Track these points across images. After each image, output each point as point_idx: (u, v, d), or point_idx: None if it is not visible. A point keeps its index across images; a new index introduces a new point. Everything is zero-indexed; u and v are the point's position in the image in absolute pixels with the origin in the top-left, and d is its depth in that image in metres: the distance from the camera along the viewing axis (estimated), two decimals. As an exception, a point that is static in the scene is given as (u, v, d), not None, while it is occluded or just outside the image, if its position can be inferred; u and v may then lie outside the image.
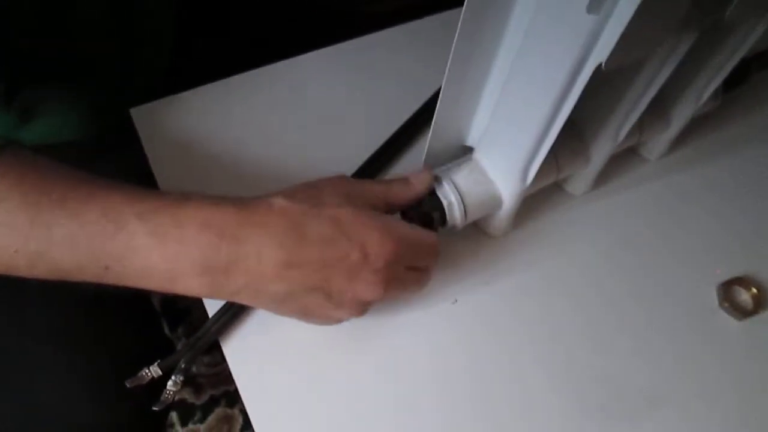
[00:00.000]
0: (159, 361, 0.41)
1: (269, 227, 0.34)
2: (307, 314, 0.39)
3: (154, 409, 0.41)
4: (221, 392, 1.03)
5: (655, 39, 0.31)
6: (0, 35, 0.49)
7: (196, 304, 1.17)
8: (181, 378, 0.41)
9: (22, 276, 0.36)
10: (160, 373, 0.41)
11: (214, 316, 0.43)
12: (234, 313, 0.43)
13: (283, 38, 0.63)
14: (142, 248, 0.34)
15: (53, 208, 0.33)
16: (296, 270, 0.35)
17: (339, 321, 0.40)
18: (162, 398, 0.41)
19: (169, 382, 0.41)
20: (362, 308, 0.38)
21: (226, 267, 0.34)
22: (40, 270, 0.35)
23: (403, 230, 0.37)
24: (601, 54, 0.30)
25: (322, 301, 0.37)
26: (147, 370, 0.41)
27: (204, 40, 0.69)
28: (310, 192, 0.38)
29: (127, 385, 0.41)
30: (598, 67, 0.31)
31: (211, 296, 0.37)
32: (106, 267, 0.34)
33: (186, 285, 0.35)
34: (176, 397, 0.41)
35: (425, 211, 0.42)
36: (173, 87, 0.57)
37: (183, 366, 0.41)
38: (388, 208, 0.41)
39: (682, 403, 0.42)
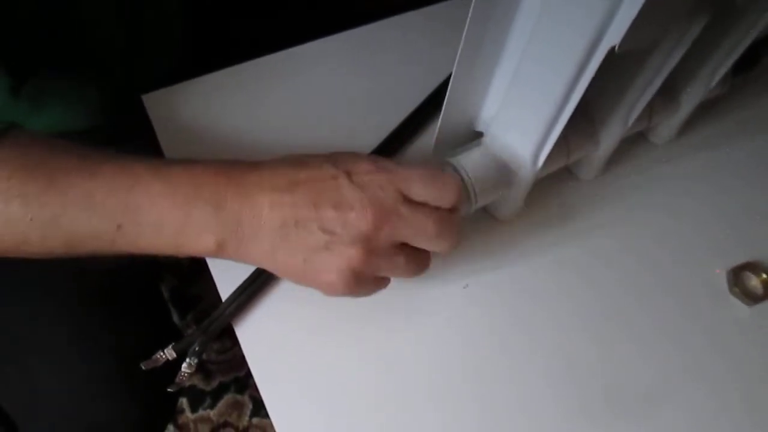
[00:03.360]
0: (173, 343, 0.42)
1: (268, 165, 0.37)
2: (305, 260, 0.36)
3: (169, 390, 0.41)
4: (231, 378, 1.04)
5: (668, 21, 0.31)
6: (7, 26, 0.49)
7: (206, 292, 1.18)
8: (196, 360, 0.41)
9: (34, 251, 0.37)
10: (175, 355, 0.42)
11: (227, 300, 0.43)
12: (248, 296, 0.43)
13: (297, 24, 0.63)
14: (158, 197, 0.35)
15: (68, 173, 0.35)
16: (288, 195, 0.35)
17: (339, 273, 0.36)
18: (177, 380, 0.41)
19: (184, 365, 0.41)
20: (359, 244, 0.35)
21: (232, 203, 0.35)
22: (52, 240, 0.36)
23: (398, 165, 0.37)
24: (614, 36, 0.30)
25: (314, 237, 0.35)
26: (162, 353, 0.42)
27: (214, 26, 0.69)
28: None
29: (143, 367, 0.41)
30: (611, 50, 0.31)
31: (219, 247, 0.36)
32: (119, 226, 0.35)
33: (195, 240, 0.36)
34: (188, 382, 0.42)
35: None
36: (183, 74, 0.57)
37: (197, 349, 0.41)
38: None
39: (693, 387, 0.43)
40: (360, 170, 0.36)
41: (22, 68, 0.53)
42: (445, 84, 0.56)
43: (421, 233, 0.37)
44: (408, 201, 0.36)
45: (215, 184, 0.36)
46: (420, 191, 0.36)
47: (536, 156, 0.42)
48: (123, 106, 0.59)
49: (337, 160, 0.37)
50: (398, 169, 0.36)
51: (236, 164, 0.37)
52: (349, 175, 0.36)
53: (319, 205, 0.35)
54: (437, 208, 0.37)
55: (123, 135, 0.61)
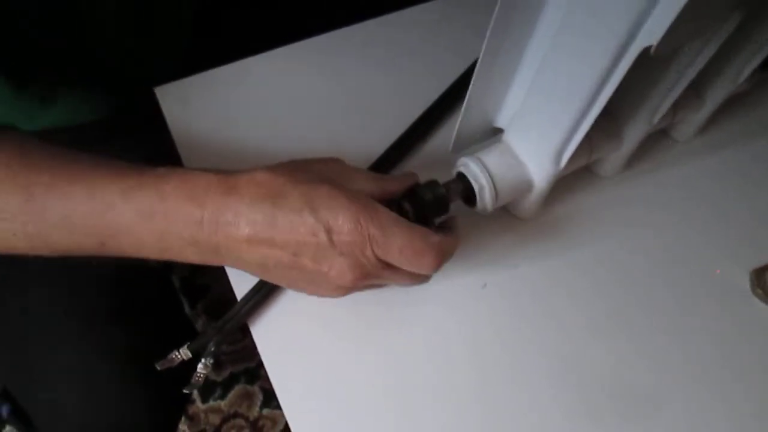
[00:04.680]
0: (189, 343, 0.41)
1: (245, 197, 0.34)
2: (291, 286, 0.39)
3: (185, 391, 0.41)
4: (242, 369, 1.04)
5: (708, 20, 0.30)
6: (13, 26, 0.49)
7: (215, 281, 1.18)
8: (211, 360, 0.41)
9: (24, 255, 0.37)
10: (190, 355, 0.41)
11: (243, 299, 0.42)
12: (263, 295, 0.43)
13: (309, 16, 0.62)
14: (131, 225, 0.35)
15: (44, 192, 0.35)
16: (266, 247, 0.34)
17: (327, 297, 0.39)
18: (192, 381, 0.41)
19: (200, 365, 0.41)
20: (339, 292, 0.37)
21: (208, 237, 0.35)
22: (41, 249, 0.37)
23: (383, 221, 0.35)
24: (649, 35, 0.29)
25: (296, 276, 0.36)
26: (177, 353, 0.41)
27: (225, 17, 0.68)
28: (295, 167, 0.37)
29: (158, 368, 0.41)
30: (644, 51, 0.30)
31: (203, 263, 0.37)
32: (102, 243, 0.36)
33: (178, 255, 0.36)
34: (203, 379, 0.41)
35: (416, 196, 0.40)
36: (194, 66, 0.56)
37: (212, 349, 0.41)
38: (381, 196, 0.38)
39: (716, 387, 0.42)
40: (341, 229, 0.34)
41: (27, 68, 0.53)
42: (461, 79, 0.55)
43: (399, 283, 0.39)
44: (387, 264, 0.36)
45: (188, 217, 0.34)
46: (398, 262, 0.36)
47: (559, 156, 0.41)
48: (133, 99, 0.58)
49: (316, 206, 0.34)
50: (379, 236, 0.34)
51: (208, 187, 0.35)
52: (329, 232, 0.34)
53: (298, 254, 0.34)
54: None
55: (133, 127, 0.61)
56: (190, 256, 0.36)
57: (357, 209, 0.34)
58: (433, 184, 0.41)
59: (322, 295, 0.38)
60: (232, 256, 0.36)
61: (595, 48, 0.32)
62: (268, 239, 0.34)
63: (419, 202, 0.39)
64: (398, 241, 0.35)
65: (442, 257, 0.36)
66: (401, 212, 0.39)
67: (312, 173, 0.36)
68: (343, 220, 0.34)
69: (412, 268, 0.36)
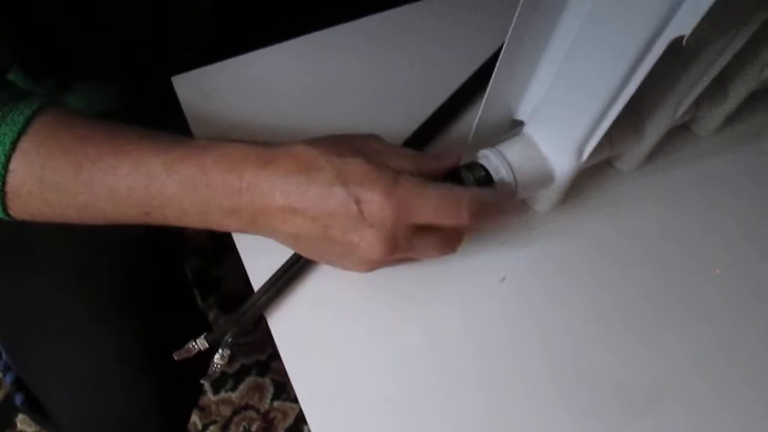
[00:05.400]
0: (205, 333, 0.41)
1: (280, 170, 0.35)
2: (323, 258, 0.40)
3: (201, 382, 0.41)
4: (253, 361, 1.05)
5: (743, 13, 0.29)
6: (30, 18, 0.49)
7: (229, 274, 1.18)
8: (228, 352, 0.41)
9: (75, 222, 0.39)
10: (207, 345, 0.41)
11: (260, 290, 0.42)
12: (280, 286, 0.42)
13: (333, 3, 0.62)
14: (174, 196, 0.36)
15: (91, 166, 0.36)
16: (299, 218, 0.36)
17: (356, 271, 0.40)
18: (209, 372, 0.41)
19: (216, 356, 0.41)
20: (369, 265, 0.39)
21: (246, 207, 0.36)
22: (91, 219, 0.39)
23: (414, 188, 0.35)
24: (680, 25, 0.28)
25: (328, 248, 0.38)
26: (194, 343, 0.41)
27: (244, 5, 0.68)
28: (333, 141, 0.38)
29: (175, 358, 0.41)
30: (674, 42, 0.29)
31: (243, 231, 0.39)
32: (147, 213, 0.38)
33: (218, 224, 0.38)
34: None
35: (458, 177, 0.41)
36: (212, 56, 0.56)
37: (230, 340, 0.41)
38: (417, 174, 0.39)
39: (723, 386, 0.42)
40: (371, 202, 0.35)
41: (43, 60, 0.53)
42: (482, 70, 0.54)
43: (427, 256, 0.40)
44: (418, 231, 0.37)
45: (228, 188, 0.36)
46: (435, 219, 0.36)
47: (582, 149, 0.40)
48: (150, 89, 0.58)
49: (347, 179, 0.35)
50: (409, 205, 0.35)
51: (246, 159, 0.36)
52: (359, 204, 0.35)
53: (329, 226, 0.36)
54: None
55: (150, 117, 0.60)
56: (230, 225, 0.38)
57: (389, 182, 0.35)
58: (475, 166, 0.41)
59: (351, 269, 0.40)
60: (268, 227, 0.37)
61: (624, 37, 0.31)
62: (301, 210, 0.35)
63: (462, 183, 0.40)
64: (431, 202, 0.36)
65: (478, 205, 0.37)
66: None
67: (348, 147, 0.37)
68: (372, 194, 0.35)
69: (450, 221, 0.37)
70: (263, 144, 0.37)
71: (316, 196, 0.35)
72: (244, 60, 0.56)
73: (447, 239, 0.39)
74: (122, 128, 0.38)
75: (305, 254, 0.41)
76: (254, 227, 0.38)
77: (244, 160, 0.36)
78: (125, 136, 0.37)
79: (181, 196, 0.36)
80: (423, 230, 0.37)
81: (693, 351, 0.43)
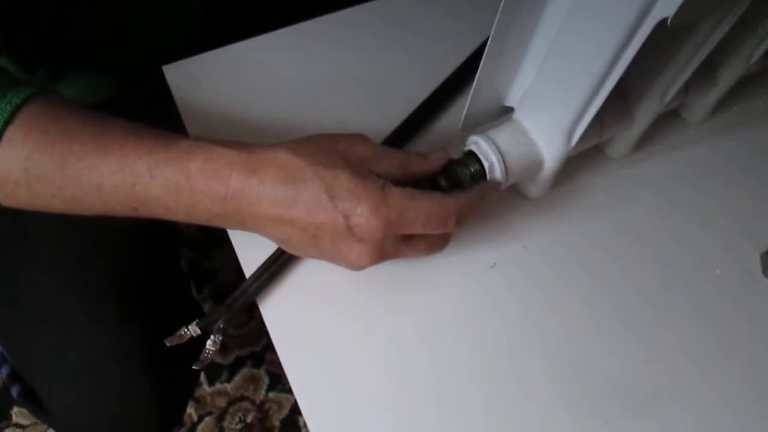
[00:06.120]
0: (197, 320, 0.41)
1: (266, 180, 0.35)
2: (315, 258, 0.40)
3: (194, 368, 0.41)
4: (247, 353, 1.05)
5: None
6: (22, 10, 0.49)
7: (223, 265, 1.18)
8: (220, 338, 0.41)
9: (63, 213, 0.39)
10: (199, 332, 0.41)
11: (251, 277, 0.42)
12: (272, 273, 0.42)
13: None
14: (160, 197, 0.36)
15: (77, 162, 0.36)
16: (288, 226, 0.36)
17: (352, 270, 0.40)
18: (201, 357, 0.41)
19: (209, 342, 0.41)
20: (358, 269, 0.39)
21: (233, 213, 0.36)
22: (78, 211, 0.39)
23: (402, 204, 0.35)
24: (665, 7, 0.28)
25: (317, 253, 0.38)
26: (186, 329, 0.41)
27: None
28: (319, 147, 0.37)
29: (167, 344, 0.41)
30: (659, 23, 0.29)
31: (232, 229, 0.40)
32: (134, 209, 0.38)
33: (206, 223, 0.38)
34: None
35: (453, 173, 0.41)
36: (204, 46, 0.56)
37: (221, 326, 0.41)
38: (405, 178, 0.39)
39: (722, 373, 0.42)
40: (360, 217, 0.35)
41: (36, 51, 0.53)
42: (472, 58, 0.54)
43: (417, 256, 0.40)
44: (406, 238, 0.38)
45: (213, 194, 0.36)
46: (420, 230, 0.37)
47: (570, 135, 0.40)
48: (142, 78, 0.58)
49: (335, 194, 0.35)
50: (398, 220, 0.35)
51: (234, 166, 0.35)
52: (347, 219, 0.35)
53: (318, 237, 0.36)
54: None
55: (141, 107, 0.60)
56: (219, 225, 0.38)
57: (376, 197, 0.35)
58: (468, 159, 0.41)
59: (344, 267, 0.40)
60: (257, 229, 0.38)
61: (610, 20, 0.31)
62: (289, 220, 0.35)
63: (456, 179, 0.41)
64: (419, 215, 0.36)
65: (464, 216, 0.38)
66: (435, 188, 0.40)
67: (334, 155, 0.36)
68: (361, 210, 0.35)
69: (436, 231, 0.37)
70: (248, 149, 0.36)
71: (304, 209, 0.35)
72: (234, 49, 0.56)
73: (434, 242, 0.40)
74: (110, 123, 0.38)
75: (297, 254, 0.41)
76: (243, 228, 0.38)
77: (229, 167, 0.35)
78: (112, 133, 0.37)
79: (167, 198, 0.36)
80: (410, 236, 0.38)
81: (686, 344, 0.43)
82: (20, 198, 0.38)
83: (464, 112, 0.43)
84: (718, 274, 0.46)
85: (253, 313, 0.41)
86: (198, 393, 1.02)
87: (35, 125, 0.36)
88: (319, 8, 0.58)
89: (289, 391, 0.38)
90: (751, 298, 0.45)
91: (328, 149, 0.37)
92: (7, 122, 0.35)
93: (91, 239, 0.58)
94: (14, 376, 0.60)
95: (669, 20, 0.28)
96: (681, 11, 0.27)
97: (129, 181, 0.36)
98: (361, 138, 0.39)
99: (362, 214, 0.35)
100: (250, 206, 0.35)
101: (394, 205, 0.35)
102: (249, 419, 1.01)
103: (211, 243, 1.13)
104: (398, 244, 0.38)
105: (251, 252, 0.44)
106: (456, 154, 0.42)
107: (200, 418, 1.01)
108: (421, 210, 0.36)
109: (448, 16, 0.59)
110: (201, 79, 0.54)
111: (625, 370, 0.42)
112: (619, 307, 0.44)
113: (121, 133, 0.37)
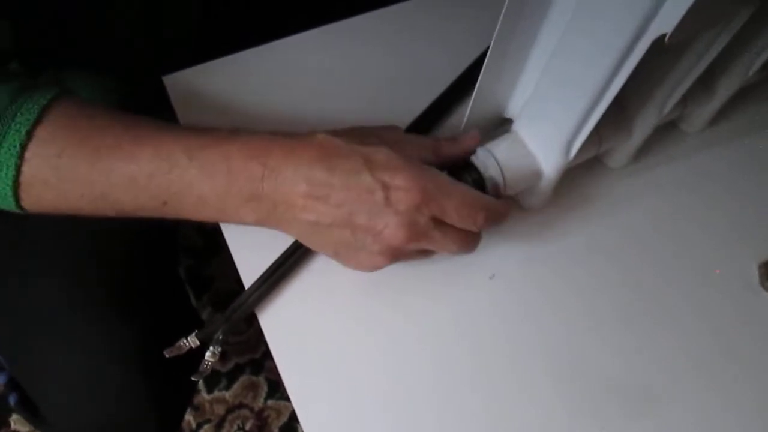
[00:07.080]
0: (196, 331, 0.41)
1: (304, 157, 0.36)
2: (338, 252, 0.39)
3: (193, 379, 0.41)
4: (246, 360, 1.04)
5: (724, 10, 0.30)
6: (25, 16, 0.49)
7: (221, 273, 1.18)
8: (219, 349, 0.41)
9: (87, 214, 0.39)
10: (198, 343, 0.41)
11: (250, 288, 0.42)
12: (271, 284, 0.42)
13: (324, 3, 0.62)
14: (195, 182, 0.36)
15: (110, 154, 0.36)
16: (322, 203, 0.36)
17: (370, 266, 0.39)
18: (200, 369, 0.41)
19: (208, 353, 0.41)
20: (388, 254, 0.38)
21: (267, 194, 0.36)
22: (104, 211, 0.39)
23: (440, 181, 0.36)
24: (663, 23, 0.28)
25: (348, 237, 0.37)
26: (185, 340, 0.41)
27: (236, 3, 0.68)
28: (356, 132, 0.39)
29: (166, 355, 0.41)
30: (657, 39, 0.29)
31: (259, 223, 0.38)
32: (164, 202, 0.37)
33: (235, 214, 0.38)
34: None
35: (477, 175, 0.41)
36: (204, 55, 0.56)
37: (220, 337, 0.41)
38: (437, 162, 0.40)
39: (721, 381, 0.42)
40: (398, 186, 0.35)
41: (38, 57, 0.53)
42: (472, 67, 0.54)
43: (445, 250, 0.39)
44: (440, 224, 0.37)
45: (250, 174, 0.36)
46: (453, 220, 0.37)
47: (569, 147, 0.40)
48: (142, 87, 0.58)
49: (374, 167, 0.35)
50: (436, 194, 0.36)
51: (271, 147, 0.36)
52: (386, 190, 0.35)
53: (353, 213, 0.36)
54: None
55: (143, 114, 0.60)
56: (247, 215, 0.38)
57: (414, 170, 0.36)
58: (469, 167, 0.42)
59: (361, 264, 0.39)
60: (287, 216, 0.37)
61: (608, 36, 0.31)
62: (324, 196, 0.35)
63: (479, 172, 0.41)
64: (454, 200, 0.36)
65: (494, 217, 0.38)
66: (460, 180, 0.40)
67: (371, 137, 0.38)
68: (400, 180, 0.35)
69: (465, 225, 0.38)
70: (285, 134, 0.37)
71: (341, 182, 0.35)
72: (234, 59, 0.56)
73: (464, 237, 0.39)
74: (139, 118, 0.38)
75: (319, 247, 0.40)
76: (272, 217, 0.38)
77: (268, 148, 0.36)
78: (144, 125, 0.37)
79: (201, 182, 0.36)
80: (443, 223, 0.38)
81: (686, 345, 0.43)
82: (46, 201, 0.38)
83: (463, 124, 0.43)
84: (718, 275, 0.46)
85: (252, 321, 0.41)
86: (197, 400, 1.02)
87: (65, 123, 0.36)
88: (317, 18, 0.58)
89: (288, 398, 0.38)
90: (750, 301, 0.45)
91: (363, 133, 0.39)
92: (37, 121, 0.35)
93: (90, 246, 0.57)
94: (12, 384, 0.60)
95: (667, 37, 0.28)
96: (679, 27, 0.27)
97: (165, 167, 0.36)
98: (392, 126, 0.41)
99: (400, 184, 0.35)
100: (286, 184, 0.36)
101: (432, 181, 0.36)
102: (248, 427, 1.01)
103: (210, 250, 1.13)
104: (432, 226, 0.37)
105: (248, 258, 0.44)
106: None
107: (199, 426, 1.01)
108: (456, 192, 0.37)
109: (448, 22, 0.59)
110: (201, 89, 0.54)
111: (625, 370, 0.42)
112: (619, 307, 0.44)
113: (153, 125, 0.38)
